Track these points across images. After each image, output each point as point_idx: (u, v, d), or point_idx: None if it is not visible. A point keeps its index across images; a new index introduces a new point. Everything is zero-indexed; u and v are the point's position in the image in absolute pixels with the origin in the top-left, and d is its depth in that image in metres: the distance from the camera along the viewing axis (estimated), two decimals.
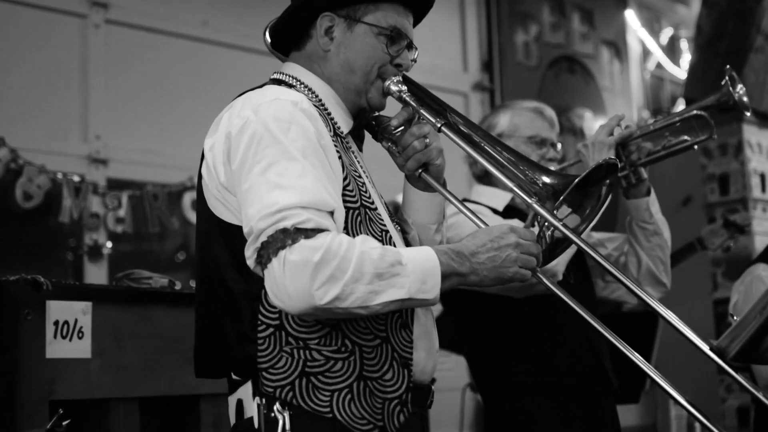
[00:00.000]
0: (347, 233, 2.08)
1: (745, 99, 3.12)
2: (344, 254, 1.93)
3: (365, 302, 1.95)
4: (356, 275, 1.93)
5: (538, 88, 7.27)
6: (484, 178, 3.42)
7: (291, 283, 1.91)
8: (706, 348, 2.05)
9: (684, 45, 8.84)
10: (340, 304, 1.93)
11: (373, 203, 2.21)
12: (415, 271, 1.99)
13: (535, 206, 2.18)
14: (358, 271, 1.94)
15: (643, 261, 3.31)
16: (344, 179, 2.14)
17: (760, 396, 2.02)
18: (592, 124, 7.63)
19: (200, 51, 5.62)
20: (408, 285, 1.98)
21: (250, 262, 2.02)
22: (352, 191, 2.15)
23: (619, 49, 8.24)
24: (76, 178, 4.93)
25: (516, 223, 3.05)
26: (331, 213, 2.02)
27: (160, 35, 5.45)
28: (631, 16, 8.40)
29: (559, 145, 3.39)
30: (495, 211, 3.29)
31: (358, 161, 2.30)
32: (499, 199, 3.34)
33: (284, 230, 1.94)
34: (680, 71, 8.66)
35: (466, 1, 7.09)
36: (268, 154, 2.02)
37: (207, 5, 5.69)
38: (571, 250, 2.86)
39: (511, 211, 3.31)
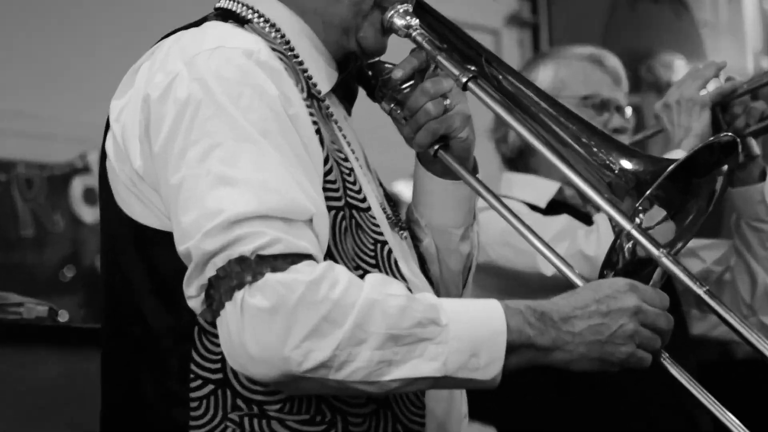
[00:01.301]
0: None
1: None
2: (339, 299, 1.60)
3: (370, 376, 1.62)
4: (358, 334, 1.61)
5: (603, 25, 6.59)
6: (516, 160, 3.13)
7: (253, 338, 1.60)
8: None
9: None
10: (331, 375, 1.61)
11: (363, 199, 1.89)
12: (459, 338, 1.65)
13: (614, 214, 1.79)
14: (361, 328, 1.61)
15: (759, 279, 2.97)
16: (324, 164, 1.81)
17: None
18: None
19: None
20: (445, 357, 1.64)
21: (194, 303, 1.71)
22: (334, 183, 1.83)
23: None
24: None
25: (567, 221, 2.90)
26: (310, 220, 1.70)
27: None
28: None
29: (628, 110, 3.09)
30: (534, 208, 2.98)
31: (343, 135, 1.97)
32: (541, 191, 3.05)
33: (241, 259, 1.62)
34: None
35: None
36: (209, 131, 1.71)
37: None
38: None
39: (558, 207, 3.00)
